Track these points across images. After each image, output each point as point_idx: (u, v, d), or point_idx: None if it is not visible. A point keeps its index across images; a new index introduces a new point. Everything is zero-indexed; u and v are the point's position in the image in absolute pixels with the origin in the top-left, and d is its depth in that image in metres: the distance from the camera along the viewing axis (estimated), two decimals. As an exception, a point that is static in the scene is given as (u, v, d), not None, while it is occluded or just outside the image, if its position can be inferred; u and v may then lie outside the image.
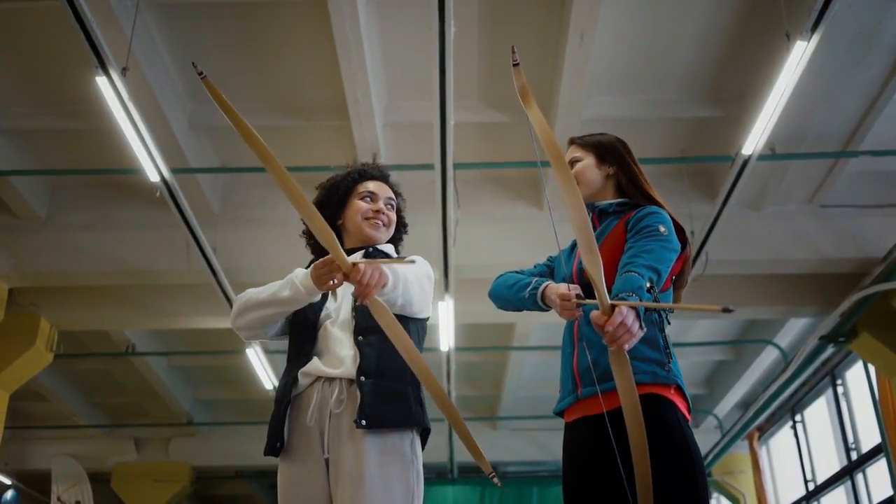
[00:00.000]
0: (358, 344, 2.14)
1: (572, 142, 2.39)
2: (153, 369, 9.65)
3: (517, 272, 2.36)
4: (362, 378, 2.09)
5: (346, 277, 1.90)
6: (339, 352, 2.16)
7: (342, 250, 1.88)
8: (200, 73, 1.83)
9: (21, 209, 6.76)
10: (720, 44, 5.54)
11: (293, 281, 2.10)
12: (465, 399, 10.86)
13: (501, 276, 2.37)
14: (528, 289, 2.19)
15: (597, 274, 1.74)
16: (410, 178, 5.64)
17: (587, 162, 2.31)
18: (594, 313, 1.77)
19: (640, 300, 1.78)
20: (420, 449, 2.15)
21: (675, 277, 2.19)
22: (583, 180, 2.27)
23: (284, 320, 2.26)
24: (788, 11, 4.66)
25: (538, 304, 2.17)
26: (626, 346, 1.74)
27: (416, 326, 2.27)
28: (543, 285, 2.16)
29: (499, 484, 1.80)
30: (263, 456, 2.19)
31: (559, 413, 2.20)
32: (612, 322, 1.71)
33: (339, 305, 2.25)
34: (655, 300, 1.88)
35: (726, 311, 1.48)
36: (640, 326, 1.76)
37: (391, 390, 2.10)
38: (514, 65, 1.87)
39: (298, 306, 2.16)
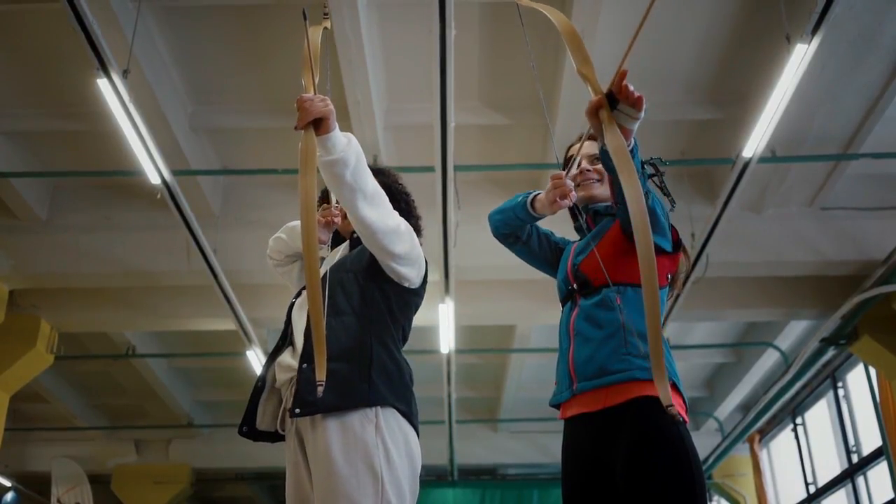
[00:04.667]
0: (307, 331, 2.13)
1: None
2: (153, 371, 9.65)
3: None
4: (304, 365, 2.07)
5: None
6: (299, 341, 2.16)
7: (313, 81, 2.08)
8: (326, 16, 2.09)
9: (22, 211, 6.77)
10: (721, 46, 5.54)
11: None
12: (466, 401, 10.85)
13: None
14: (522, 195, 2.28)
15: (590, 72, 1.84)
16: (411, 180, 5.61)
17: None
18: (590, 101, 1.81)
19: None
20: (392, 429, 2.04)
21: (671, 277, 2.19)
22: (606, 179, 2.25)
23: (294, 268, 2.45)
24: (789, 14, 4.66)
25: (527, 209, 2.25)
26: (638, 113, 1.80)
27: (383, 287, 2.20)
28: (536, 193, 2.24)
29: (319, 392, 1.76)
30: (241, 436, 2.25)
31: (555, 405, 2.21)
32: (621, 82, 1.76)
33: None
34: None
35: None
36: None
37: (329, 373, 1.98)
38: None
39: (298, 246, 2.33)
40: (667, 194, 2.07)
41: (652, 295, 1.61)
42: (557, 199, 2.13)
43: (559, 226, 2.59)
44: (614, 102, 1.78)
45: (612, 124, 1.76)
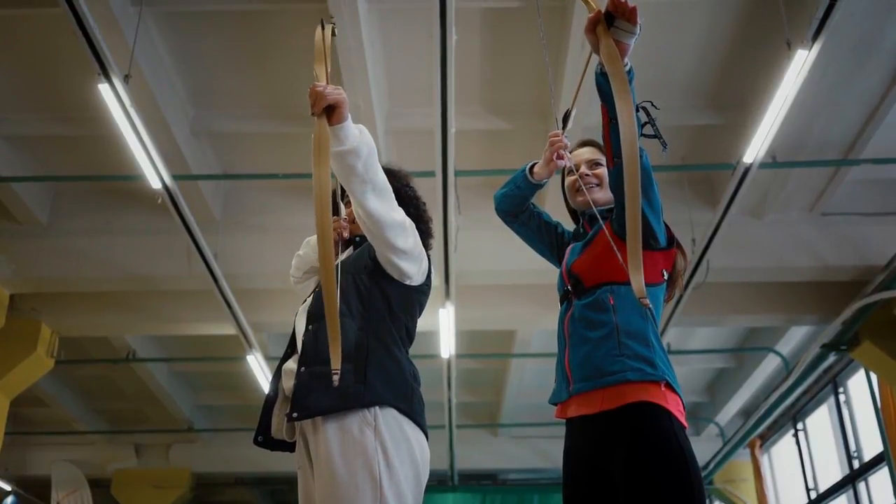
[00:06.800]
0: (305, 336, 2.13)
1: (594, 144, 2.40)
2: (154, 375, 9.65)
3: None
4: (301, 369, 2.07)
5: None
6: (300, 346, 2.17)
7: (325, 73, 2.04)
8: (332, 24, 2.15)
9: (23, 215, 6.77)
10: (721, 51, 5.55)
11: None
12: (466, 406, 10.85)
13: None
14: (521, 168, 2.39)
15: None
16: (411, 185, 5.65)
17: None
18: (588, 17, 1.86)
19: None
20: (393, 431, 2.01)
21: (668, 276, 2.20)
22: (605, 184, 2.29)
23: (311, 283, 2.41)
24: (789, 20, 4.67)
25: (527, 176, 2.37)
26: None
27: (383, 286, 2.18)
28: (536, 161, 2.35)
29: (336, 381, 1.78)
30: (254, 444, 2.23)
31: (553, 403, 2.22)
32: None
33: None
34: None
35: None
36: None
37: (323, 374, 1.96)
38: None
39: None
40: (660, 138, 2.07)
41: (633, 194, 1.73)
42: (553, 158, 2.21)
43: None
44: (611, 22, 1.85)
45: (607, 35, 1.84)
